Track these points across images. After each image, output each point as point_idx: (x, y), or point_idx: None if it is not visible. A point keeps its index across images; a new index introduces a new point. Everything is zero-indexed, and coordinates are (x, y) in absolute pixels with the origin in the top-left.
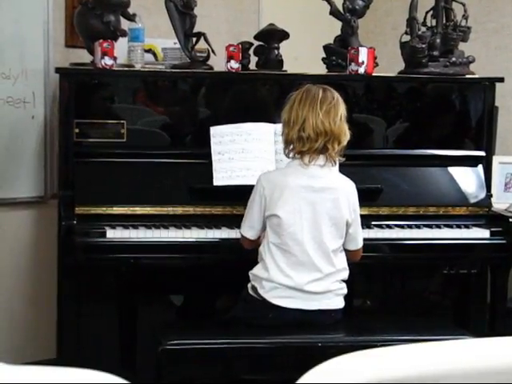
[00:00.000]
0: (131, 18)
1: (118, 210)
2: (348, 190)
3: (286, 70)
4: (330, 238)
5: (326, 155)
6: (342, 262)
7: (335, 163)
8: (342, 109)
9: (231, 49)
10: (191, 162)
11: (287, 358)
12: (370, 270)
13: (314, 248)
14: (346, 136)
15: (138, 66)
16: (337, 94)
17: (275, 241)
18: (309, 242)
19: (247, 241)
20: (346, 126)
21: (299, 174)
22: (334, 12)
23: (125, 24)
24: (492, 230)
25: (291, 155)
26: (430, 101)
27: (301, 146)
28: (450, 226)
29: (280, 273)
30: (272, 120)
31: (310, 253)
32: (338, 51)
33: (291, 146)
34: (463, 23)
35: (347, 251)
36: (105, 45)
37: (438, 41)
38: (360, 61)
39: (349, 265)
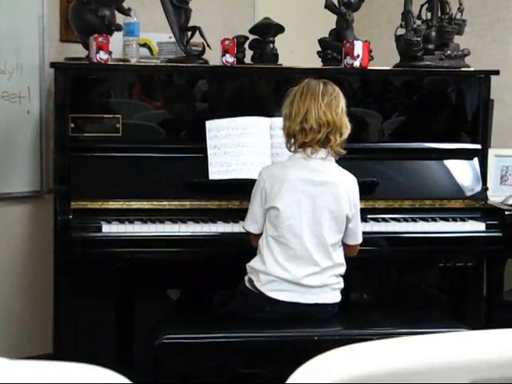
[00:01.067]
0: (126, 12)
1: (113, 204)
2: (349, 184)
3: (281, 64)
4: (330, 232)
5: (327, 148)
6: (339, 256)
7: (336, 156)
8: (343, 101)
9: (226, 43)
10: (187, 156)
11: (284, 352)
12: (366, 263)
13: (313, 242)
14: (348, 128)
15: (133, 61)
16: (337, 88)
17: (273, 233)
18: (308, 235)
19: (251, 235)
20: (346, 119)
21: (300, 167)
22: (329, 5)
23: (120, 18)
24: (488, 222)
25: (293, 149)
26: (425, 94)
27: (304, 137)
28: (446, 219)
29: (277, 266)
30: (268, 114)
31: (308, 246)
32: (333, 45)
33: (293, 140)
34: (458, 16)
35: (346, 245)
36: (100, 39)
37: (434, 34)
38: (355, 54)
39: (345, 258)
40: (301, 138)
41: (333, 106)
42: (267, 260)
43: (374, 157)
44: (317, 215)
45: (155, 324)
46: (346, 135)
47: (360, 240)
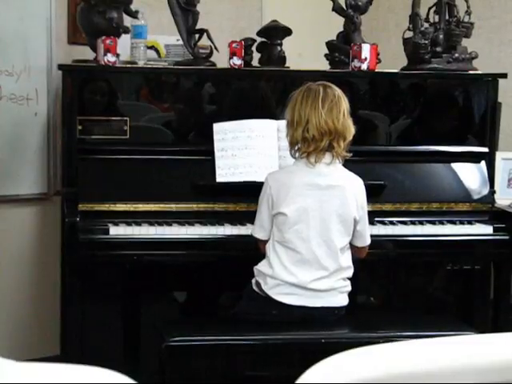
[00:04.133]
0: (134, 14)
1: (121, 206)
2: (355, 187)
3: (288, 67)
4: (338, 235)
5: (332, 153)
6: (347, 259)
7: (342, 160)
8: (345, 104)
9: (234, 45)
10: (194, 158)
11: (290, 355)
12: (374, 266)
13: (321, 246)
14: (351, 131)
15: (140, 63)
16: (338, 91)
17: (280, 239)
18: (315, 239)
19: (259, 242)
20: (350, 122)
21: (306, 172)
22: (336, 8)
23: (127, 21)
24: (495, 226)
25: (297, 155)
26: (432, 97)
27: (306, 147)
28: (453, 223)
29: (284, 270)
30: (275, 116)
31: (315, 251)
32: (341, 47)
33: (296, 147)
34: (466, 19)
35: (354, 248)
36: (107, 42)
37: (441, 37)
38: (363, 57)
39: (352, 260)
40: (303, 148)
41: (334, 113)
42: (274, 264)
43: (381, 160)
44: (325, 219)
45: (162, 326)
46: (350, 138)
47: (368, 242)
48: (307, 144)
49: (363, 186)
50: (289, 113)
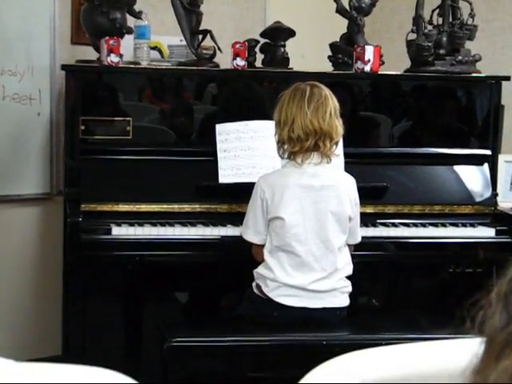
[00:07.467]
0: (137, 15)
1: (123, 207)
2: (348, 185)
3: (291, 68)
4: (336, 234)
5: (320, 153)
6: (346, 257)
7: (330, 160)
8: (332, 104)
9: (237, 46)
10: (197, 159)
11: (292, 356)
12: (376, 268)
13: (319, 247)
14: (338, 132)
15: (143, 64)
16: (326, 90)
17: (278, 243)
18: (313, 241)
19: (255, 246)
20: (337, 122)
21: (297, 174)
22: (340, 10)
23: (131, 21)
24: (497, 228)
25: (285, 156)
26: (435, 99)
27: (292, 146)
28: (456, 225)
29: (285, 274)
30: None
31: (314, 252)
32: (344, 49)
33: (285, 147)
34: (470, 21)
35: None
36: (111, 42)
37: (445, 39)
38: (366, 59)
39: (354, 263)
40: (289, 148)
41: (319, 113)
42: (275, 268)
43: (383, 161)
44: (321, 220)
45: (164, 327)
46: (337, 139)
47: (359, 239)
48: (293, 144)
49: (355, 184)
50: (277, 112)
